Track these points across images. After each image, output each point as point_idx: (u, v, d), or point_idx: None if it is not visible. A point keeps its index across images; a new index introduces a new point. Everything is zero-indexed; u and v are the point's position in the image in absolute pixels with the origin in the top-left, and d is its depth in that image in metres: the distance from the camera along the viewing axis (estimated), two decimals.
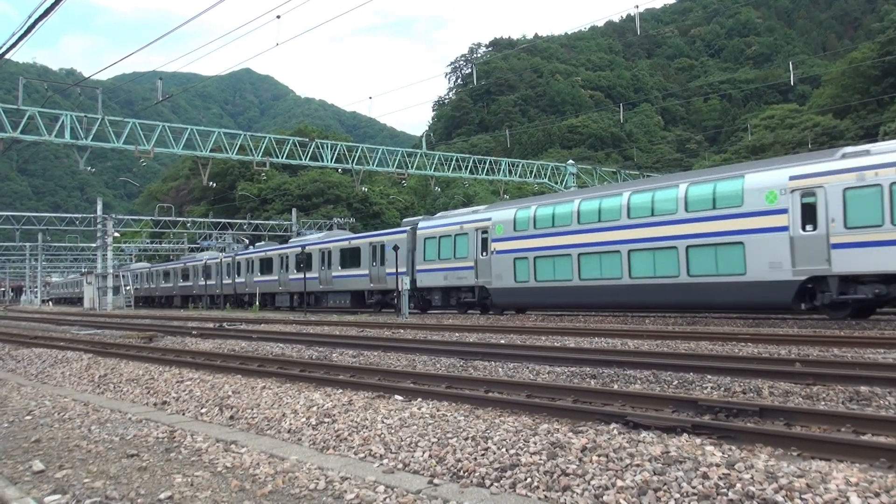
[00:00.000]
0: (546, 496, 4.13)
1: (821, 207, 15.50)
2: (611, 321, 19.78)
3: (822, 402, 6.63)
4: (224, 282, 42.17)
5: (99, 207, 52.89)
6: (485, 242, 23.59)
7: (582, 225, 20.72)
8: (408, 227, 27.47)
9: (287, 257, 36.18)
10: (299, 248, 35.12)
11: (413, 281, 25.93)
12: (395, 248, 26.93)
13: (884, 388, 6.83)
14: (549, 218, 21.69)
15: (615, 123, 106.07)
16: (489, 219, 23.64)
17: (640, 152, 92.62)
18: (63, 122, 31.34)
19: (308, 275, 33.28)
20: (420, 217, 30.30)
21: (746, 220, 16.84)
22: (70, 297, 79.94)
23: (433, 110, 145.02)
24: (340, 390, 7.93)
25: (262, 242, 47.42)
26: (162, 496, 4.40)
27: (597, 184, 46.65)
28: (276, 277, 37.01)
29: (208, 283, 44.97)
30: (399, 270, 26.99)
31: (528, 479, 4.36)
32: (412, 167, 41.90)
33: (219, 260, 43.45)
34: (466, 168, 44.44)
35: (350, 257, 31.09)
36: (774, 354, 9.83)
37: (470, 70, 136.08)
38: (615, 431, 5.25)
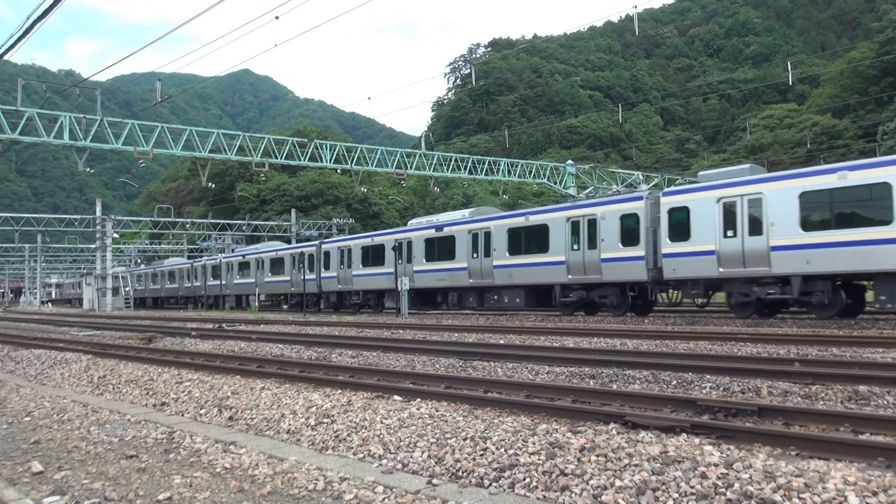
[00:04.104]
0: (545, 496, 4.13)
1: None
2: (609, 321, 19.78)
3: (821, 402, 6.63)
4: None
5: (98, 208, 52.83)
6: None
7: None
8: None
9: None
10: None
11: None
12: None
13: (882, 387, 6.84)
14: None
15: (614, 123, 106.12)
16: None
17: (640, 152, 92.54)
18: (62, 123, 31.27)
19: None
20: None
21: None
22: (70, 298, 79.92)
23: (432, 111, 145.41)
24: (339, 391, 7.92)
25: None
26: (161, 497, 4.40)
27: (596, 184, 45.41)
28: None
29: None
30: (400, 271, 26.76)
31: (527, 480, 4.36)
32: (411, 167, 41.82)
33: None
34: (465, 168, 44.39)
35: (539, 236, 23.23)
36: (773, 354, 9.84)
37: (469, 70, 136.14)
38: (614, 431, 5.26)
